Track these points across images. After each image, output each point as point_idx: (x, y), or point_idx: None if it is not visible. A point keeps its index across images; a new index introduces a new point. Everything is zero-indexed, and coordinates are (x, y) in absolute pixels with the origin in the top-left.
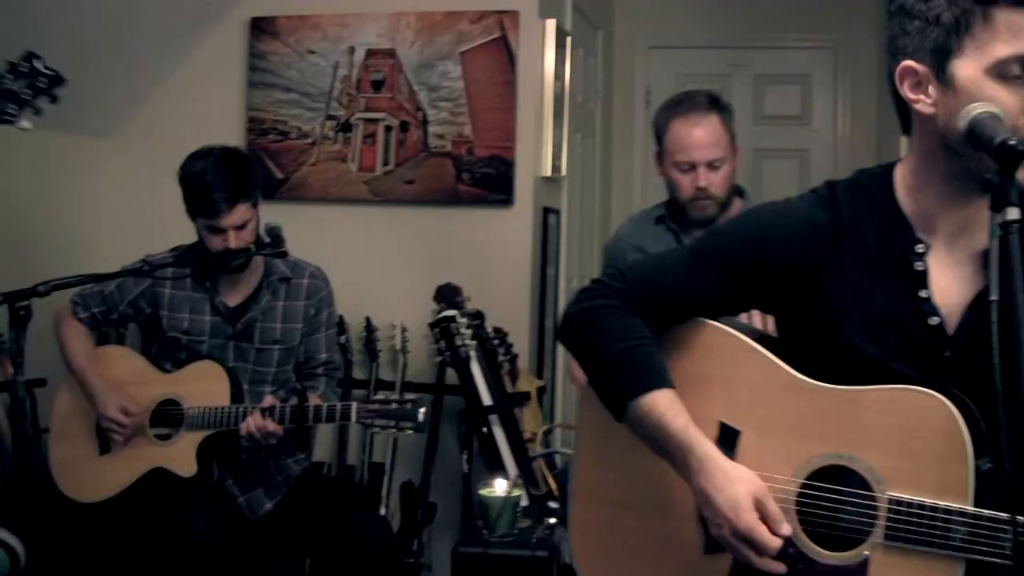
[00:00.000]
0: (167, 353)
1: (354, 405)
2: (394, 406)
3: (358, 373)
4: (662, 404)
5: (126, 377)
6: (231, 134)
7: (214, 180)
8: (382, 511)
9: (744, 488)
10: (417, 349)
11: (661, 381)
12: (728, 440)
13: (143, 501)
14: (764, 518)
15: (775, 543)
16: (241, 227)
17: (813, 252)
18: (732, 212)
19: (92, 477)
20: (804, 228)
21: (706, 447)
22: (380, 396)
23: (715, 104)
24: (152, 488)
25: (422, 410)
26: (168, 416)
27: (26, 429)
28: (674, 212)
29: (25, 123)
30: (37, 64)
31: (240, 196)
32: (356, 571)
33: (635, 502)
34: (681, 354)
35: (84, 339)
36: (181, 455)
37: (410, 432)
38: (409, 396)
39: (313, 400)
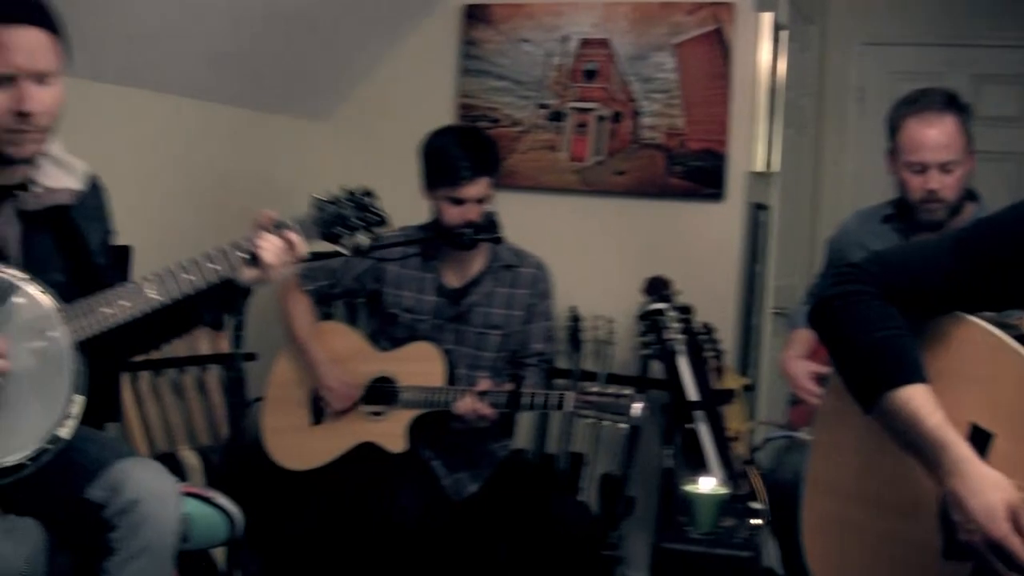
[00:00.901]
0: (385, 331)
1: (569, 394)
2: (608, 398)
3: (561, 362)
4: (917, 399)
5: (344, 353)
6: (443, 120)
7: (459, 152)
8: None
9: (1000, 496)
10: (622, 341)
11: (917, 375)
12: (979, 443)
13: (352, 473)
14: (1018, 530)
15: None
16: (480, 201)
17: None
18: (964, 217)
19: (303, 446)
20: None
21: (962, 448)
22: (595, 387)
23: (952, 104)
24: (361, 461)
25: (636, 405)
26: (382, 393)
27: (242, 400)
28: (902, 212)
29: (343, 249)
30: (370, 200)
31: (484, 169)
32: (554, 559)
33: (874, 498)
34: (936, 349)
35: (308, 311)
36: (392, 432)
37: (622, 426)
38: (624, 390)
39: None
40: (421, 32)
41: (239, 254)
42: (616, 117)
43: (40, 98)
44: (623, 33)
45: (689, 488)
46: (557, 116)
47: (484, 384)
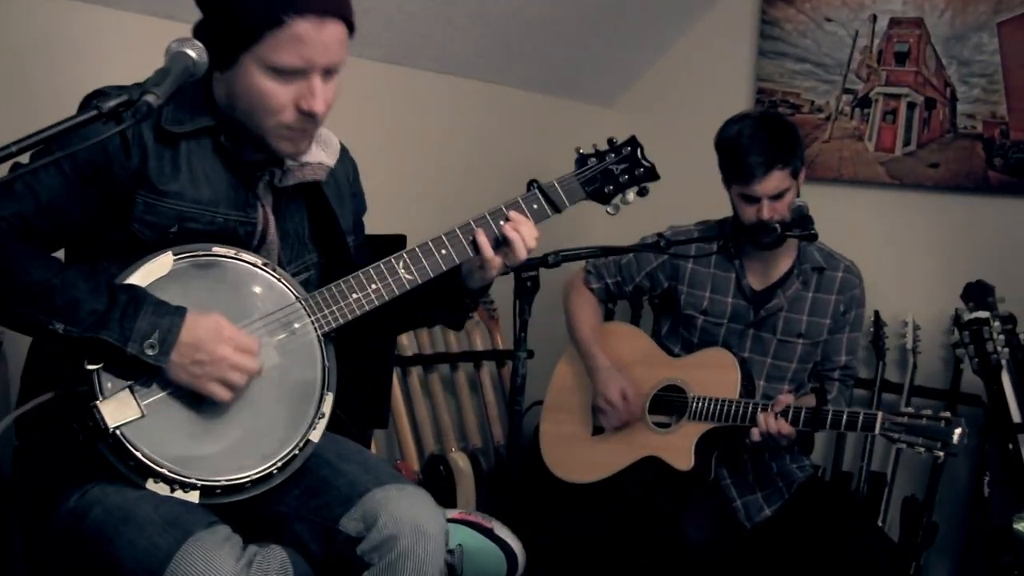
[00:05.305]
0: (676, 333)
1: (879, 415)
2: (925, 421)
3: (861, 371)
4: None
5: (631, 357)
6: (737, 105)
7: (749, 144)
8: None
9: None
10: (928, 350)
11: None
12: None
13: (633, 489)
14: None
15: None
16: (776, 197)
17: None
18: None
19: (582, 457)
20: None
21: None
22: (908, 409)
23: None
24: (644, 478)
25: (957, 430)
26: (670, 403)
27: (520, 403)
28: None
29: (610, 209)
30: (638, 152)
31: (776, 161)
32: None
33: None
34: None
35: (593, 311)
36: (679, 446)
37: (940, 455)
38: (942, 413)
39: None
40: (715, 12)
41: (497, 223)
42: (929, 103)
43: (325, 96)
44: (939, 11)
45: (1020, 525)
46: (863, 102)
47: (783, 400)
